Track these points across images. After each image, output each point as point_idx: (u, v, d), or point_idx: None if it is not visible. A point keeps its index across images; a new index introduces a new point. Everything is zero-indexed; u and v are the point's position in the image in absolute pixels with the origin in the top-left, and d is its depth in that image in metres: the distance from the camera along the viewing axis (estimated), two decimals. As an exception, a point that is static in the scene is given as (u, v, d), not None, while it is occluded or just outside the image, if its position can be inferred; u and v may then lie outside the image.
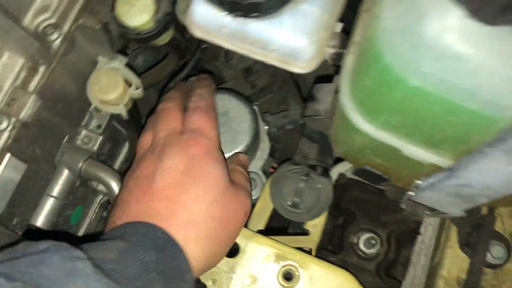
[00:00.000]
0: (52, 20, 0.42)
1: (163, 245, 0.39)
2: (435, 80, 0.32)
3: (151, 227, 0.40)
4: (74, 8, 0.43)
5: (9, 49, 0.40)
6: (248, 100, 0.64)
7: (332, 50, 0.48)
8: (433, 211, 0.56)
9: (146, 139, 0.50)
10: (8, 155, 0.41)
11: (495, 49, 0.29)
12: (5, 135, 0.40)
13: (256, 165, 0.67)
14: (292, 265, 0.54)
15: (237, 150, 0.60)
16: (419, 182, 0.48)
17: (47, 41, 0.41)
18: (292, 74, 0.73)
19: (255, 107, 0.65)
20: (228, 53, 0.72)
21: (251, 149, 0.64)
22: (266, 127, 0.70)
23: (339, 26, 0.48)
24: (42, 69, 0.42)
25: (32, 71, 0.41)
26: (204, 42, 0.65)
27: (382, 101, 0.38)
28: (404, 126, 0.39)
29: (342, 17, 0.48)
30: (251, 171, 0.66)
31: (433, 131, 0.38)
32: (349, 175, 0.66)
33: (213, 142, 0.47)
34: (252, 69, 0.73)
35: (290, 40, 0.40)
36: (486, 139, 0.36)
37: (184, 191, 0.43)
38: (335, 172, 0.65)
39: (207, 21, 0.40)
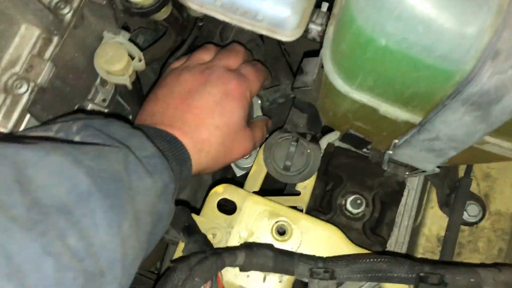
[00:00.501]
0: (63, -4, 0.47)
1: (170, 139, 0.51)
2: (398, 38, 0.37)
3: (163, 132, 0.51)
4: (83, -15, 0.48)
5: (27, 21, 0.45)
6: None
7: (318, 28, 0.53)
8: (411, 170, 0.62)
9: (205, 55, 0.60)
10: (28, 116, 0.46)
11: (446, 8, 0.34)
12: (25, 98, 0.45)
13: (251, 136, 0.73)
14: (285, 221, 0.59)
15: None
16: (396, 141, 0.53)
17: (60, 14, 0.46)
18: (283, 51, 0.78)
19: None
20: (222, 33, 0.77)
21: (245, 120, 0.69)
22: (259, 102, 0.75)
23: (325, 6, 0.53)
24: (55, 39, 0.47)
25: (47, 41, 0.46)
26: (201, 20, 0.70)
27: (357, 63, 0.43)
28: (378, 85, 0.45)
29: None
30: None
31: (402, 88, 0.43)
32: (337, 143, 0.71)
33: (249, 93, 0.57)
34: (246, 46, 0.78)
35: (275, 11, 0.45)
36: (447, 93, 0.41)
37: (212, 116, 0.54)
38: (324, 142, 0.70)
39: (202, -6, 0.45)
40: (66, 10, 0.47)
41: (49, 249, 0.32)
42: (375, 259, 0.52)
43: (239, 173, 0.73)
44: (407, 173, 0.62)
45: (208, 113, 0.54)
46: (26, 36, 0.46)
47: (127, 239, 0.38)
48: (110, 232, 0.36)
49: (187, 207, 0.62)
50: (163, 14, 0.53)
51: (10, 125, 0.45)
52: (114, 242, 0.36)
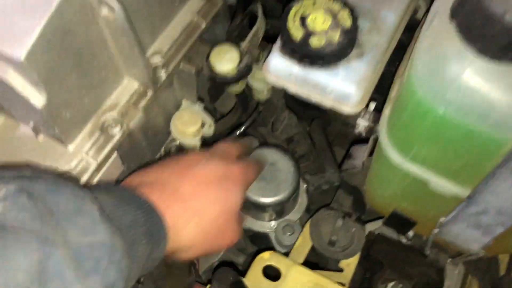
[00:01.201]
0: (162, 61, 0.55)
1: (148, 208, 0.44)
2: (456, 107, 0.42)
3: (144, 199, 0.45)
4: (179, 55, 0.56)
5: (130, 75, 0.53)
6: (293, 156, 0.75)
7: (366, 123, 0.60)
8: (453, 258, 0.64)
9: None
10: (116, 153, 0.52)
11: (500, 81, 0.40)
12: (116, 138, 0.52)
13: (294, 216, 0.76)
14: (327, 295, 0.60)
15: (280, 197, 0.70)
16: (442, 219, 0.56)
17: (157, 75, 0.55)
18: (329, 143, 0.85)
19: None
20: (274, 123, 0.85)
21: (292, 198, 0.73)
22: (305, 186, 0.80)
23: (372, 105, 0.60)
24: (149, 94, 0.55)
25: (143, 94, 0.54)
26: (262, 105, 0.78)
27: (414, 133, 0.48)
28: (431, 156, 0.50)
29: (374, 98, 0.59)
30: (288, 219, 0.74)
31: (454, 158, 0.48)
32: (377, 231, 0.74)
33: (247, 182, 0.57)
34: (294, 138, 0.85)
35: (342, 87, 0.52)
36: (497, 163, 0.45)
37: (209, 191, 0.50)
38: (367, 228, 0.73)
39: (280, 69, 0.53)
40: (162, 72, 0.55)
41: None
42: None
43: (280, 250, 0.75)
44: (448, 260, 0.63)
45: (207, 184, 0.50)
46: (127, 87, 0.53)
47: None
48: None
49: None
50: (239, 87, 0.62)
51: (100, 158, 0.51)
52: None
